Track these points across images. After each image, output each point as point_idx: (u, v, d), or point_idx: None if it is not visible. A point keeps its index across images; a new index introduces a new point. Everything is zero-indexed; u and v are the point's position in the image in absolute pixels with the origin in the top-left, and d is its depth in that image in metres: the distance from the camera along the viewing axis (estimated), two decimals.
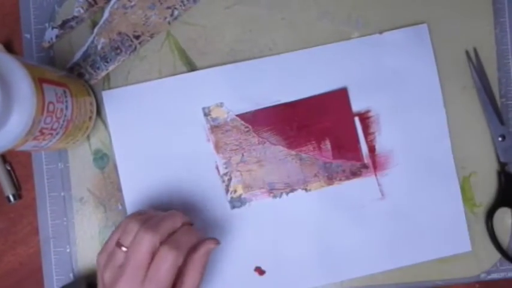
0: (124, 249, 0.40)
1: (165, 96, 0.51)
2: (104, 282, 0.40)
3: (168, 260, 0.38)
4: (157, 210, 0.46)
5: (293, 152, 0.51)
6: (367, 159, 0.50)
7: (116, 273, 0.39)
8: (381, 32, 0.51)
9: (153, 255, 0.39)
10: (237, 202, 0.50)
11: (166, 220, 0.41)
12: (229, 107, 0.51)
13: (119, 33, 0.51)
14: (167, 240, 0.40)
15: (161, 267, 0.38)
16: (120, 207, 0.50)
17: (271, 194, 0.50)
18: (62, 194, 0.51)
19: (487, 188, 0.51)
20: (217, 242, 0.42)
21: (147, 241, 0.39)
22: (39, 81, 0.38)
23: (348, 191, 0.50)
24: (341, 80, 0.51)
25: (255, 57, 0.51)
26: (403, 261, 0.50)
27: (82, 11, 0.50)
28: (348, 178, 0.50)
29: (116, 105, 0.51)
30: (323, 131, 0.51)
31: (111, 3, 0.51)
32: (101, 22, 0.51)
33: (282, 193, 0.50)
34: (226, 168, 0.50)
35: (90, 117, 0.48)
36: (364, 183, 0.50)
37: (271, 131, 0.50)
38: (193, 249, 0.41)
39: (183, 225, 0.42)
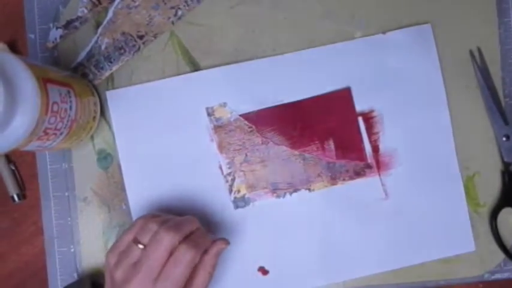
0: (141, 246, 0.40)
1: (168, 96, 0.51)
2: (115, 280, 0.40)
3: (186, 258, 0.39)
4: (169, 214, 0.46)
5: (296, 152, 0.51)
6: (370, 159, 0.50)
7: (130, 271, 0.40)
8: (384, 32, 0.51)
9: (171, 254, 0.40)
10: (240, 202, 0.50)
11: (185, 223, 0.42)
12: (233, 107, 0.51)
13: (123, 33, 0.51)
14: (185, 240, 0.40)
15: (178, 264, 0.39)
16: (124, 207, 0.51)
17: (275, 194, 0.50)
18: (66, 194, 0.51)
19: (491, 188, 0.51)
20: (227, 242, 0.43)
21: (168, 240, 0.39)
22: (44, 82, 0.38)
23: (351, 191, 0.50)
24: (344, 80, 0.51)
25: (258, 57, 0.51)
26: (406, 261, 0.50)
27: (86, 11, 0.50)
28: (351, 178, 0.50)
29: (120, 105, 0.51)
30: (326, 131, 0.51)
31: (115, 3, 0.51)
32: (105, 22, 0.51)
33: (285, 193, 0.50)
34: (229, 168, 0.50)
35: (94, 117, 0.48)
36: (368, 183, 0.50)
37: (274, 131, 0.50)
38: (204, 251, 0.42)
39: (197, 229, 0.43)
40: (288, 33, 0.51)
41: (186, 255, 0.39)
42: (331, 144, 0.50)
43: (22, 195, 0.51)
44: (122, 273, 0.40)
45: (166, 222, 0.41)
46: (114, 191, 0.51)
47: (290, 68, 0.51)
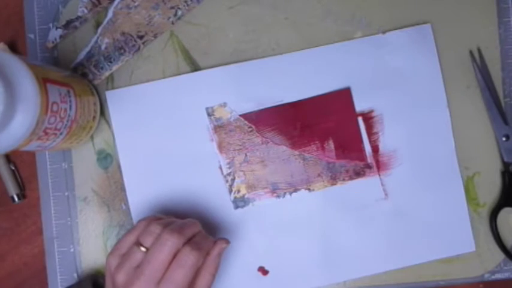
0: (143, 249, 0.40)
1: (168, 96, 0.51)
2: (117, 283, 0.40)
3: (190, 261, 0.39)
4: (170, 216, 0.46)
5: (296, 152, 0.50)
6: (370, 159, 0.50)
7: (132, 274, 0.39)
8: (384, 32, 0.51)
9: (174, 257, 0.39)
10: (240, 202, 0.50)
11: (188, 225, 0.42)
12: (233, 107, 0.51)
13: (123, 33, 0.51)
14: (189, 242, 0.40)
15: (182, 267, 0.39)
16: (123, 206, 0.51)
17: (275, 194, 0.50)
18: (66, 193, 0.51)
19: (490, 188, 0.51)
20: (228, 242, 0.43)
21: (172, 243, 0.39)
22: (43, 81, 0.38)
23: (351, 191, 0.50)
24: (344, 80, 0.51)
25: (258, 57, 0.51)
26: (406, 261, 0.50)
27: (86, 11, 0.50)
28: (351, 178, 0.50)
29: (120, 105, 0.51)
30: (326, 130, 0.51)
31: (115, 3, 0.51)
32: (105, 22, 0.51)
33: (285, 193, 0.50)
34: (229, 168, 0.50)
35: (94, 117, 0.48)
36: (368, 183, 0.50)
37: (274, 131, 0.50)
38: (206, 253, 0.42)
39: (199, 232, 0.43)
40: (288, 33, 0.51)
41: (190, 258, 0.39)
42: (331, 144, 0.50)
43: (22, 195, 0.51)
44: (124, 276, 0.40)
45: (169, 225, 0.41)
46: (114, 191, 0.51)
47: (290, 68, 0.51)
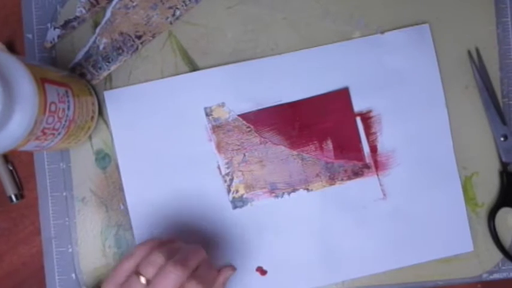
0: (143, 280, 0.38)
1: (166, 96, 0.51)
2: None
3: None
4: (172, 238, 0.44)
5: (295, 152, 0.50)
6: (368, 159, 0.50)
7: None
8: (382, 32, 0.51)
9: None
10: (238, 202, 0.50)
11: (193, 255, 0.40)
12: (231, 107, 0.51)
13: (121, 33, 0.51)
14: (193, 275, 0.38)
15: None
16: (122, 207, 0.51)
17: (273, 194, 0.50)
18: (64, 193, 0.51)
19: (489, 188, 0.51)
20: (234, 269, 0.42)
21: (176, 276, 0.37)
22: (41, 81, 0.38)
23: (349, 191, 0.50)
24: (343, 80, 0.51)
25: (256, 57, 0.51)
26: (404, 261, 0.50)
27: (84, 11, 0.50)
28: (349, 178, 0.50)
29: (118, 105, 0.51)
30: (325, 131, 0.51)
31: (113, 3, 0.51)
32: (103, 22, 0.51)
33: (283, 193, 0.50)
34: (228, 168, 0.50)
35: (92, 117, 0.48)
36: (366, 183, 0.50)
37: (272, 131, 0.50)
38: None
39: (204, 261, 0.41)
40: (286, 33, 0.51)
41: None
42: (329, 144, 0.50)
43: (20, 195, 0.51)
44: None
45: (171, 253, 0.39)
46: (112, 191, 0.51)
47: (288, 68, 0.51)
